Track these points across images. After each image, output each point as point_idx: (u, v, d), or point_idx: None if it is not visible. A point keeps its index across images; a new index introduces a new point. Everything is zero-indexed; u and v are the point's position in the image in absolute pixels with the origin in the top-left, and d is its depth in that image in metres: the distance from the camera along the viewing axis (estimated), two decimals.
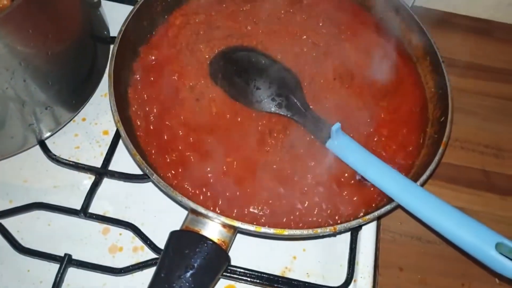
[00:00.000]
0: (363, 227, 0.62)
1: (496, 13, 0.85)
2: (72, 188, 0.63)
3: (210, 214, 0.50)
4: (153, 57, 0.65)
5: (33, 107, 0.55)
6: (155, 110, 0.61)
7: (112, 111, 0.55)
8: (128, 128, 0.57)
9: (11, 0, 0.51)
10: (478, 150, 0.72)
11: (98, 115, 0.69)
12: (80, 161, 0.63)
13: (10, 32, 0.46)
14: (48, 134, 0.63)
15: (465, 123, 0.74)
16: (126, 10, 0.64)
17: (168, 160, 0.57)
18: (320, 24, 0.69)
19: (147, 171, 0.52)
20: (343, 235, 0.62)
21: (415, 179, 0.54)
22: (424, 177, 0.54)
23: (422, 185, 0.54)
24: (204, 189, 0.55)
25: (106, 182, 0.63)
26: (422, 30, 0.65)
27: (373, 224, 0.62)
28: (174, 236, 0.51)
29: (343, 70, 0.65)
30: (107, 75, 0.58)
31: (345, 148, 0.56)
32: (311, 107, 0.61)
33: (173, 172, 0.56)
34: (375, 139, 0.60)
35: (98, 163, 0.63)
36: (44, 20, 0.50)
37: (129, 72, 0.63)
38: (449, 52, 0.80)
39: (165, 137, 0.59)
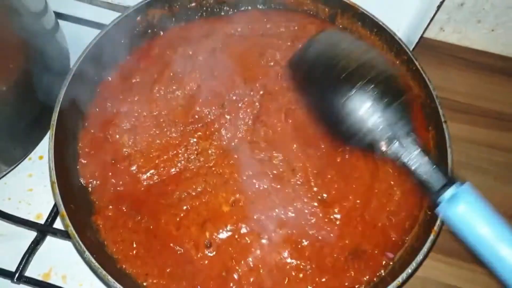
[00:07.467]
0: None
1: None
2: (14, 238, 0.56)
3: None
4: None
5: None
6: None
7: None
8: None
9: None
10: None
11: None
12: (31, 205, 0.58)
13: None
14: None
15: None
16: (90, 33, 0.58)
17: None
18: None
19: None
20: None
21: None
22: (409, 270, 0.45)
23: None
24: None
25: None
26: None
27: None
28: None
29: None
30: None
31: (473, 217, 0.40)
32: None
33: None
34: None
35: (48, 211, 0.56)
36: None
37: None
38: (462, 95, 0.72)
39: None
